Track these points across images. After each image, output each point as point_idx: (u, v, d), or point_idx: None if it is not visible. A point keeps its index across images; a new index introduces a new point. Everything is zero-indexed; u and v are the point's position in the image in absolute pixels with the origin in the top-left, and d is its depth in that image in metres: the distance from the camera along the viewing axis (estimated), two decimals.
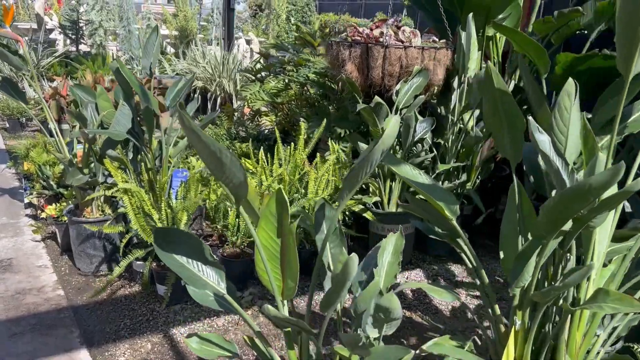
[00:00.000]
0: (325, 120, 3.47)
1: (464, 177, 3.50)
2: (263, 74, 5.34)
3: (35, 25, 13.53)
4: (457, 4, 3.70)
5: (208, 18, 15.39)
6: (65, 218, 3.17)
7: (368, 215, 3.15)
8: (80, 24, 11.00)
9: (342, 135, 3.75)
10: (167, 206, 2.64)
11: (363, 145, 3.14)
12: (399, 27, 3.47)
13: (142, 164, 3.06)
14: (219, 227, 2.91)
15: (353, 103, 3.95)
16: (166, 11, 12.82)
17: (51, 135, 3.31)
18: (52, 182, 3.54)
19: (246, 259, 2.80)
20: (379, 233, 3.21)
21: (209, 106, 6.73)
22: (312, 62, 4.85)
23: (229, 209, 2.86)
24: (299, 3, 19.37)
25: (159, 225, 2.56)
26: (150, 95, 2.88)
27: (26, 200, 3.77)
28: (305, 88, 4.82)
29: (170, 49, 12.96)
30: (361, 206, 3.21)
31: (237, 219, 2.81)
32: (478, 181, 3.56)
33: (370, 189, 3.30)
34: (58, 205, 3.23)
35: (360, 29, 3.59)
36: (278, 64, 5.09)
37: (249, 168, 3.27)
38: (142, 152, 3.04)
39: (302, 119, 3.88)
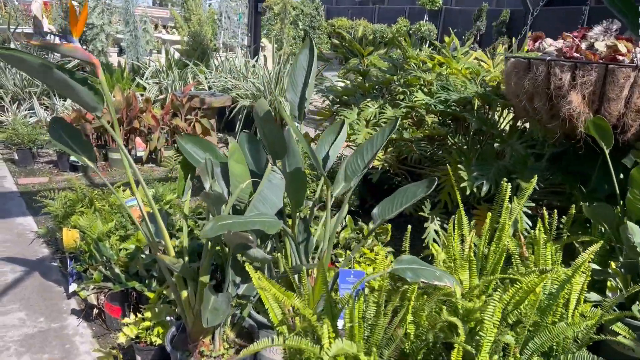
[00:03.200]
0: (529, 173, 2.36)
1: None
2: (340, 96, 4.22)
3: (29, 30, 12.22)
4: None
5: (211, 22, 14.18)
6: (156, 339, 2.01)
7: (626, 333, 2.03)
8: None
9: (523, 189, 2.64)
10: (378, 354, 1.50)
11: (636, 230, 2.01)
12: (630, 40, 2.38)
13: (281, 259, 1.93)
14: None
15: (528, 144, 2.86)
16: (176, 14, 11.60)
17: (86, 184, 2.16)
18: (117, 270, 2.37)
19: None
20: None
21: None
22: (427, 81, 3.76)
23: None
24: (307, 8, 18.30)
25: None
26: (316, 154, 1.75)
27: (72, 289, 2.59)
28: (413, 113, 3.72)
29: (177, 55, 11.74)
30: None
31: None
32: None
33: (609, 285, 2.19)
34: (139, 319, 2.07)
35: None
36: (378, 83, 3.99)
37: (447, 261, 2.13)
38: (284, 240, 1.90)
39: (461, 168, 2.76)
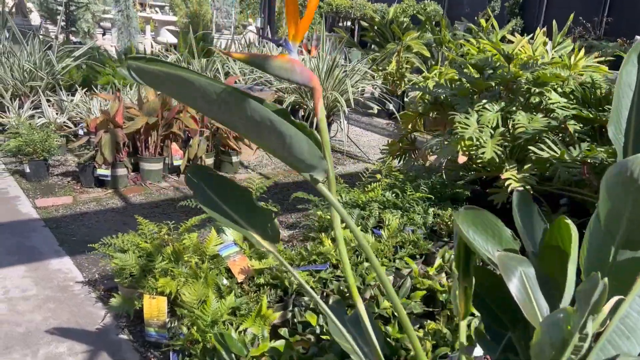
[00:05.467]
0: None
1: None
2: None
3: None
4: None
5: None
6: None
7: None
8: (72, 8, 8.68)
9: None
10: None
11: None
12: None
13: None
14: None
15: None
16: None
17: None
18: None
19: None
20: None
21: None
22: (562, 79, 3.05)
23: None
24: None
25: None
26: None
27: None
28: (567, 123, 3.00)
29: (171, 38, 10.76)
30: None
31: None
32: None
33: None
34: None
35: None
36: (504, 80, 3.24)
37: None
38: None
39: None
